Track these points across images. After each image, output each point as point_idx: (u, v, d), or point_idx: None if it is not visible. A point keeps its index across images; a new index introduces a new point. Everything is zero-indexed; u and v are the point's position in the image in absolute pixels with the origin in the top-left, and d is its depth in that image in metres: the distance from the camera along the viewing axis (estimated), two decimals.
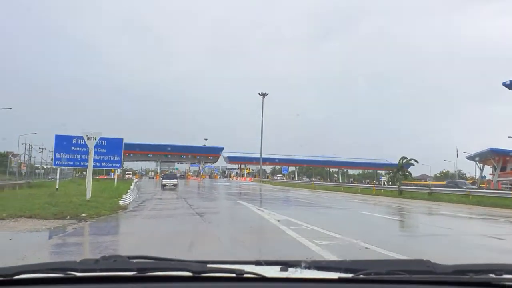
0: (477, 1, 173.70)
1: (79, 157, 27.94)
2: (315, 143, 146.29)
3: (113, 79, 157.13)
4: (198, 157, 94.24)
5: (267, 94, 69.16)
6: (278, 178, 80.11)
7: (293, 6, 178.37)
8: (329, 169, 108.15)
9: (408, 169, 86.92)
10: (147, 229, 11.67)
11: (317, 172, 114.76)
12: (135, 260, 1.58)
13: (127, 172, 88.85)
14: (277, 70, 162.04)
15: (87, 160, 29.10)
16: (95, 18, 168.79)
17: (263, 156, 74.62)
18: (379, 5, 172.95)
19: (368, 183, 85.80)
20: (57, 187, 26.88)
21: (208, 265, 1.49)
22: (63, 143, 28.06)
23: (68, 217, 13.25)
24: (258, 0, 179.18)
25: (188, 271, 1.44)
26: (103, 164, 28.91)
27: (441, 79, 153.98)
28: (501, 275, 1.46)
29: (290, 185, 51.02)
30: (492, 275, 1.46)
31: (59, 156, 27.54)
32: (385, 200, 25.58)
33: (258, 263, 1.61)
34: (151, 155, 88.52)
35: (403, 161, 51.61)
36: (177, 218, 14.26)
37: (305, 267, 1.55)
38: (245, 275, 1.46)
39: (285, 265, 1.55)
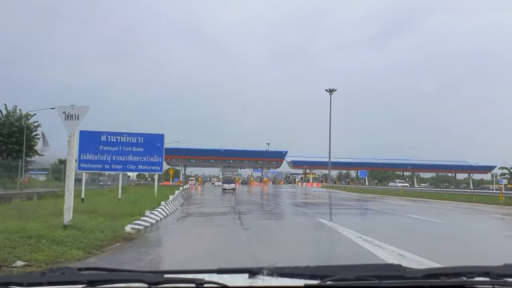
0: None
1: (108, 158, 21.08)
2: (380, 146, 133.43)
3: (177, 87, 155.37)
4: (260, 162, 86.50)
5: (335, 90, 59.87)
6: (399, 184, 60.65)
7: (353, 7, 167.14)
8: (402, 173, 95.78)
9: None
10: None
11: (387, 176, 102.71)
12: (85, 272, 1.38)
13: (190, 178, 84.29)
14: (341, 71, 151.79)
15: (119, 162, 22.16)
16: (162, 30, 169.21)
17: (331, 159, 65.40)
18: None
19: (446, 187, 73.42)
20: (82, 197, 20.21)
21: (166, 275, 1.28)
22: (89, 141, 21.38)
23: None
24: (319, 3, 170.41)
25: (143, 282, 1.25)
26: (140, 167, 21.82)
27: None
28: (472, 277, 1.32)
29: (369, 191, 41.15)
30: (464, 278, 1.33)
31: (84, 158, 20.91)
32: None
33: (220, 271, 1.38)
34: (213, 161, 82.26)
35: None
36: None
37: (268, 274, 1.36)
38: (206, 285, 1.28)
39: (248, 272, 1.34)
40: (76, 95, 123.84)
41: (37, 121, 42.66)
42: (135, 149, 21.38)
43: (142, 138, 21.56)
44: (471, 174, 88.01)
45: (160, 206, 15.46)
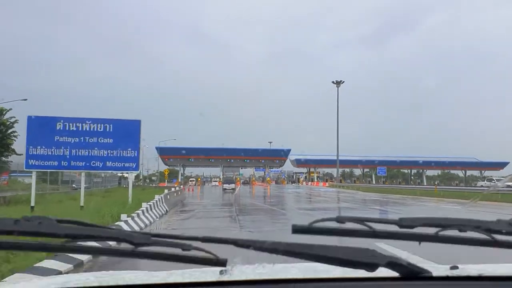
0: None
1: (67, 152, 15.19)
2: (381, 144, 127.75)
3: (177, 85, 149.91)
4: (263, 161, 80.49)
5: (343, 82, 53.86)
6: (499, 184, 37.07)
7: (355, 6, 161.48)
8: (410, 170, 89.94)
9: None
10: None
11: (392, 174, 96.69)
12: (65, 224, 1.07)
13: (190, 179, 78.88)
14: (342, 70, 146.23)
15: (81, 158, 15.93)
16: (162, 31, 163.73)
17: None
18: None
19: (457, 185, 67.02)
20: (32, 204, 14.58)
21: (152, 238, 1.08)
22: (41, 130, 15.56)
23: None
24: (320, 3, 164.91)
25: (130, 242, 1.03)
26: (108, 164, 15.80)
27: None
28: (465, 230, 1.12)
29: (389, 191, 34.70)
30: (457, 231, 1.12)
31: (34, 152, 15.12)
32: None
33: (205, 239, 1.12)
34: (213, 160, 76.23)
35: None
36: None
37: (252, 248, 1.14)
38: (192, 251, 1.10)
39: (233, 244, 1.13)
40: (73, 95, 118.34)
41: (14, 117, 36.82)
42: (103, 141, 15.56)
43: (111, 125, 15.73)
44: (483, 171, 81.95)
45: (119, 222, 9.66)
